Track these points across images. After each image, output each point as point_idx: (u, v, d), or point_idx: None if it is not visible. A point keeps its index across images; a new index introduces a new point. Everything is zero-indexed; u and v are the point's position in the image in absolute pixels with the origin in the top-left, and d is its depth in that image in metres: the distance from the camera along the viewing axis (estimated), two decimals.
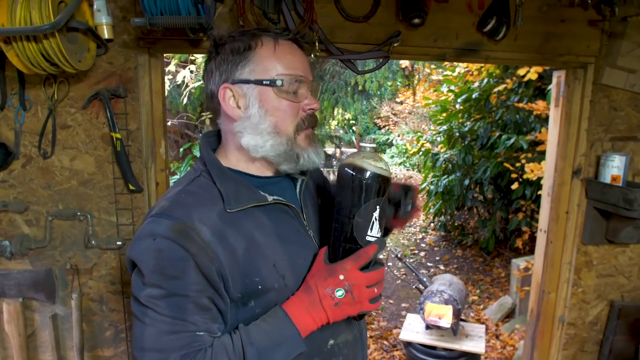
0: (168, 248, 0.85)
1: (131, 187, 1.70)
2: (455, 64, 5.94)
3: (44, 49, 1.37)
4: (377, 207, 0.89)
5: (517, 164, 4.61)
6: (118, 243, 1.73)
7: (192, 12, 1.37)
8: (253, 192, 0.97)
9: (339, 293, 0.87)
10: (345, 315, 0.91)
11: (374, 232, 0.89)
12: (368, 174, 0.87)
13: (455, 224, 6.45)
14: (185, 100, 3.36)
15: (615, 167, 1.79)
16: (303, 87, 0.97)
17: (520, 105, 4.64)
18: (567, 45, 1.79)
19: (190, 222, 0.87)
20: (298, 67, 0.96)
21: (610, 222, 1.90)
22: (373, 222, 0.89)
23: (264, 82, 0.94)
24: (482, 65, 5.05)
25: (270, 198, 0.97)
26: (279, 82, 0.93)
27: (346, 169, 0.89)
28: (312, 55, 1.65)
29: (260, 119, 0.95)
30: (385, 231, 1.05)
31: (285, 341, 0.87)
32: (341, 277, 0.87)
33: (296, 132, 0.97)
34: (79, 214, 1.72)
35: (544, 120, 4.78)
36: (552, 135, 2.09)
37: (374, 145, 0.92)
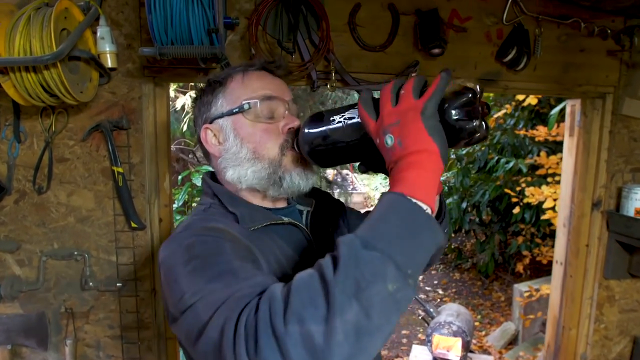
0: (201, 237, 0.80)
1: (133, 225, 1.58)
2: None
3: (43, 80, 1.27)
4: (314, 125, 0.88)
5: (518, 188, 4.58)
6: (118, 284, 1.61)
7: (205, 42, 1.29)
8: (267, 214, 0.97)
9: (389, 138, 0.70)
10: (423, 130, 0.66)
11: (345, 115, 0.84)
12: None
13: (453, 247, 6.38)
14: (184, 127, 3.27)
15: (639, 200, 1.72)
16: (278, 108, 0.96)
17: (522, 132, 4.63)
18: (586, 76, 1.74)
19: (221, 226, 0.85)
20: (266, 87, 0.96)
21: (634, 256, 1.83)
22: (337, 121, 0.85)
23: (234, 111, 0.94)
24: None
25: (285, 219, 0.97)
26: (246, 106, 0.93)
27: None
28: (328, 86, 1.58)
29: (238, 148, 0.94)
30: None
31: (408, 220, 0.62)
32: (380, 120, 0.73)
33: (281, 152, 0.95)
34: (75, 253, 1.60)
35: (541, 144, 4.77)
36: (567, 165, 2.03)
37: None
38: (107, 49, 1.46)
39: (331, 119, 0.85)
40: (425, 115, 0.67)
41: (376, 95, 0.78)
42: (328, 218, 1.14)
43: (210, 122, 0.98)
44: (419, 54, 1.62)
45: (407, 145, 0.66)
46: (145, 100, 1.57)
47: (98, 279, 1.62)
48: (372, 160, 0.85)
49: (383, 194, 0.66)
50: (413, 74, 0.91)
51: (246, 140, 0.94)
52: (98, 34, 1.44)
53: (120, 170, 1.55)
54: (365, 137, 0.79)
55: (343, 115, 0.84)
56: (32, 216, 1.58)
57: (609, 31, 1.68)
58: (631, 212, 1.74)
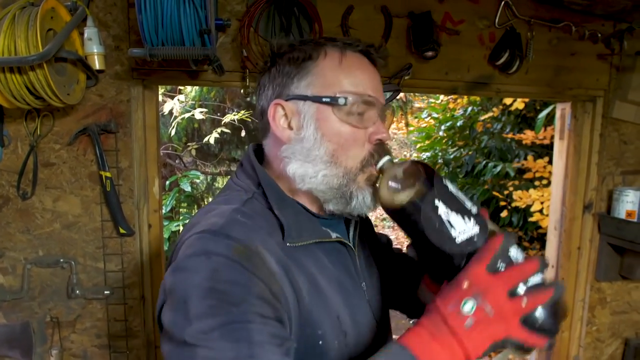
0: (227, 268, 0.66)
1: (121, 231, 1.54)
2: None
3: (29, 81, 1.23)
4: (435, 200, 0.71)
5: (505, 192, 4.61)
6: (106, 292, 1.56)
7: (196, 43, 1.26)
8: (315, 225, 0.82)
9: (467, 306, 0.64)
10: (489, 340, 0.64)
11: (460, 227, 0.69)
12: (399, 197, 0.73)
13: None
14: (172, 132, 3.22)
15: (630, 202, 1.74)
16: (371, 111, 0.80)
17: (509, 136, 4.66)
18: (577, 79, 1.75)
19: (253, 245, 0.70)
20: (368, 85, 0.80)
21: (625, 258, 1.84)
22: (447, 220, 0.70)
23: (324, 100, 0.78)
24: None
25: (333, 235, 0.83)
26: (341, 101, 0.77)
27: (391, 190, 0.75)
28: None
29: (315, 143, 0.78)
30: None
31: None
32: (465, 284, 0.65)
33: (361, 167, 0.80)
34: (61, 260, 1.55)
35: (528, 147, 4.81)
36: (557, 168, 2.04)
37: (391, 158, 0.79)
38: (95, 51, 1.43)
39: (439, 211, 0.71)
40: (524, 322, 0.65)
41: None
42: (369, 231, 1.04)
43: (286, 99, 0.81)
44: (412, 56, 1.61)
45: (472, 327, 0.63)
46: (134, 103, 1.54)
47: (85, 286, 1.57)
48: (432, 259, 0.75)
49: (396, 342, 0.65)
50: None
51: (327, 139, 0.78)
52: (85, 35, 1.41)
53: (108, 174, 1.51)
54: (455, 251, 0.70)
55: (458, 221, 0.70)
56: (16, 222, 1.53)
57: (599, 35, 1.69)
58: (622, 215, 1.75)
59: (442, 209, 0.71)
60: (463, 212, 0.71)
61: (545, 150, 4.46)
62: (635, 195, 1.73)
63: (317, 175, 0.78)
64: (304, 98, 0.79)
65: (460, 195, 0.74)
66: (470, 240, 0.70)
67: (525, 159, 4.49)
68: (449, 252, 0.70)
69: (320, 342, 0.74)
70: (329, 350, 0.75)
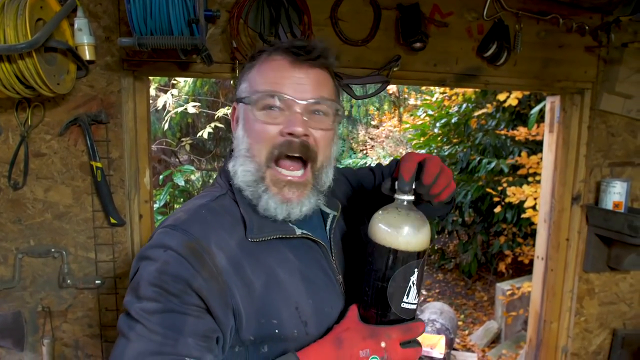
0: (175, 262, 0.75)
1: (112, 221, 1.55)
2: (433, 89, 6.01)
3: (18, 70, 1.24)
4: (415, 270, 0.77)
5: (499, 188, 4.63)
6: (97, 282, 1.57)
7: (185, 32, 1.27)
8: (280, 222, 0.85)
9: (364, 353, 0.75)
10: None
11: (411, 299, 0.78)
12: (406, 239, 0.75)
13: (436, 248, 6.42)
14: (165, 126, 3.22)
15: (617, 194, 1.76)
16: (290, 110, 0.82)
17: (503, 132, 4.68)
18: (565, 71, 1.77)
19: (205, 243, 0.78)
20: (277, 82, 0.83)
21: (613, 249, 1.86)
22: (410, 287, 0.77)
23: (243, 100, 0.86)
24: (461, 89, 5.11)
25: (298, 231, 0.86)
26: (247, 100, 0.85)
27: (379, 230, 0.77)
28: None
29: (241, 139, 0.87)
30: None
31: None
32: (383, 344, 0.75)
33: (267, 161, 0.83)
34: (53, 250, 1.56)
35: (522, 144, 4.84)
36: (547, 161, 2.06)
37: (411, 198, 0.78)
38: (85, 41, 1.44)
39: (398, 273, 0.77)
40: None
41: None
42: (355, 217, 1.04)
43: (235, 101, 0.92)
44: (401, 48, 1.63)
45: None
46: (125, 94, 1.55)
47: (76, 276, 1.58)
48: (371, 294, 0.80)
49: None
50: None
51: (247, 134, 0.86)
52: (75, 25, 1.42)
53: (99, 165, 1.52)
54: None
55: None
56: (8, 212, 1.54)
57: (587, 27, 1.71)
58: (609, 206, 1.77)
59: (415, 277, 0.78)
60: (419, 290, 0.80)
61: (539, 147, 4.49)
62: (622, 186, 1.75)
63: (238, 171, 0.85)
64: (238, 99, 0.89)
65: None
66: (409, 312, 0.79)
67: (519, 155, 4.52)
68: (391, 307, 0.78)
69: (277, 331, 0.79)
70: (286, 338, 0.80)
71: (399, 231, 0.75)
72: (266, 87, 0.83)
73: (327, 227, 0.95)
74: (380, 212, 0.80)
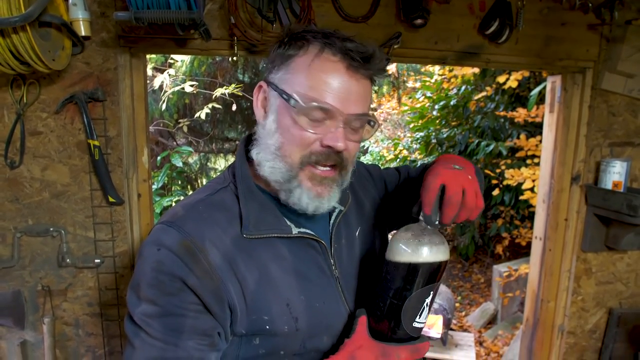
0: (170, 261, 0.76)
1: (111, 200, 1.54)
2: (432, 70, 5.96)
3: (12, 45, 1.21)
4: (431, 292, 0.80)
5: (498, 170, 4.63)
6: (96, 261, 1.57)
7: (182, 7, 1.24)
8: (278, 220, 0.86)
9: None
10: None
11: (422, 319, 0.80)
12: (431, 262, 0.76)
13: None
14: (163, 107, 3.19)
15: (616, 173, 1.75)
16: (333, 121, 0.79)
17: (502, 113, 4.67)
18: (567, 50, 1.75)
19: (199, 241, 0.78)
20: (333, 93, 0.77)
21: (611, 229, 1.86)
22: (424, 308, 0.79)
23: (283, 95, 0.80)
24: (460, 69, 5.07)
25: (295, 230, 0.86)
26: (292, 102, 0.78)
27: (402, 251, 0.77)
28: None
29: (270, 132, 0.83)
30: None
31: None
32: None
33: (300, 164, 0.81)
34: (51, 229, 1.56)
35: (521, 126, 4.83)
36: (547, 141, 2.05)
37: (437, 225, 0.80)
38: (80, 16, 1.41)
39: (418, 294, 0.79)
40: None
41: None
42: (369, 213, 1.04)
43: (267, 83, 0.85)
44: (401, 25, 1.61)
45: None
46: (122, 71, 1.52)
47: (75, 255, 1.58)
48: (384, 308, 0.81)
49: None
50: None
51: (280, 132, 0.81)
52: (70, 0, 1.39)
53: (97, 143, 1.51)
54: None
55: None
56: (5, 192, 1.53)
57: (590, 5, 1.68)
58: (609, 185, 1.77)
59: (430, 298, 0.80)
60: (429, 311, 0.82)
61: (537, 130, 4.48)
62: (622, 166, 1.75)
63: (266, 165, 0.83)
64: (275, 88, 0.82)
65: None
66: (418, 331, 0.81)
67: (518, 137, 4.51)
68: (403, 325, 0.79)
69: (268, 327, 0.81)
70: (277, 334, 0.81)
71: (422, 254, 0.77)
72: (316, 94, 0.77)
73: (331, 221, 0.95)
74: (403, 232, 0.81)
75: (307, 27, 0.87)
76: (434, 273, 0.78)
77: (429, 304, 0.80)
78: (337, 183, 0.86)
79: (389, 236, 0.93)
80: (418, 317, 0.80)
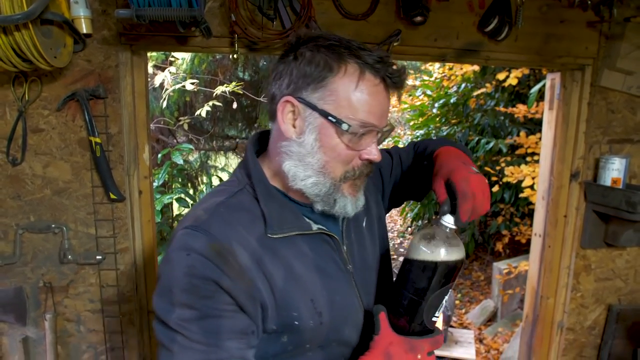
0: (202, 265, 0.76)
1: (112, 196, 1.55)
2: (432, 69, 5.97)
3: (14, 42, 1.22)
4: (450, 290, 0.85)
5: (498, 167, 4.64)
6: (97, 257, 1.58)
7: (183, 4, 1.25)
8: (298, 218, 0.89)
9: None
10: None
11: (439, 312, 0.85)
12: (452, 262, 0.81)
13: None
14: (164, 105, 3.20)
15: (615, 170, 1.76)
16: (370, 136, 0.85)
17: (502, 109, 4.67)
18: (566, 47, 1.76)
19: (227, 243, 0.79)
20: (375, 113, 0.83)
21: (610, 226, 1.87)
22: (442, 304, 0.85)
23: (330, 118, 0.81)
24: (460, 68, 5.08)
25: (315, 227, 0.90)
26: (345, 126, 0.81)
27: (426, 251, 0.82)
28: None
29: (312, 151, 0.84)
30: None
31: None
32: (419, 356, 0.81)
33: (343, 178, 0.86)
34: (53, 226, 1.56)
35: (521, 124, 4.84)
36: (546, 139, 2.06)
37: (454, 227, 0.84)
38: (82, 14, 1.42)
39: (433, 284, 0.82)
40: None
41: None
42: (369, 202, 1.05)
43: (298, 100, 0.83)
44: (401, 22, 1.61)
45: None
46: (123, 68, 1.53)
47: (77, 252, 1.59)
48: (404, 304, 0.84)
49: None
50: None
51: (323, 151, 0.84)
52: None
53: (98, 140, 1.52)
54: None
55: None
56: (7, 188, 1.54)
57: (589, 2, 1.69)
58: (608, 182, 1.78)
59: (448, 295, 0.85)
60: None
61: (537, 127, 4.49)
62: (621, 162, 1.76)
63: (307, 181, 0.85)
64: (314, 108, 0.82)
65: None
66: (434, 324, 0.86)
67: (518, 135, 4.52)
68: (423, 320, 0.84)
69: (296, 322, 0.83)
70: (305, 329, 0.84)
71: (449, 254, 0.81)
72: (362, 116, 0.81)
73: (340, 220, 0.98)
74: (428, 231, 0.85)
75: (321, 35, 0.85)
76: (454, 271, 0.83)
77: (447, 299, 0.86)
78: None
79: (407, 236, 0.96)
80: (437, 312, 0.84)
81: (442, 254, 0.81)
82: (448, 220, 0.84)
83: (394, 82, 0.83)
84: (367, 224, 1.04)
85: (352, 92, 0.81)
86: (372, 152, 0.86)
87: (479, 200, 0.83)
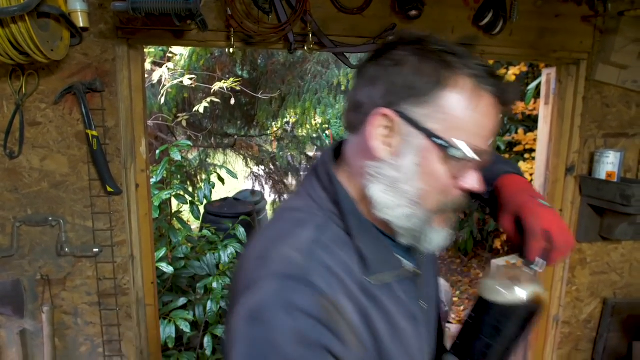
0: (310, 329, 0.62)
1: (109, 189, 1.56)
2: None
3: (11, 35, 1.23)
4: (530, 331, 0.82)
5: None
6: (95, 250, 1.59)
7: None
8: (392, 257, 0.77)
9: None
10: None
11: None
12: (534, 306, 0.77)
13: None
14: (162, 101, 3.21)
15: (610, 164, 1.77)
16: (471, 162, 0.71)
17: None
18: (561, 41, 1.77)
19: (334, 297, 0.65)
20: (486, 137, 0.70)
21: (605, 219, 1.88)
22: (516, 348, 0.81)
23: (436, 140, 0.68)
24: None
25: (409, 266, 0.78)
26: (454, 151, 0.68)
27: (507, 293, 0.77)
28: (306, 48, 1.57)
29: (408, 177, 0.70)
30: None
31: None
32: None
33: (438, 211, 0.73)
34: (50, 219, 1.57)
35: (519, 121, 4.84)
36: (542, 133, 2.06)
37: (539, 269, 0.79)
38: (78, 8, 1.43)
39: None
40: None
41: None
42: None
43: (398, 114, 0.69)
44: (396, 16, 1.62)
45: None
46: (120, 62, 1.54)
47: (74, 245, 1.60)
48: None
49: None
50: None
51: (422, 177, 0.70)
52: None
53: (95, 133, 1.52)
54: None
55: None
56: (4, 181, 1.55)
57: None
58: (602, 176, 1.79)
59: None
60: None
61: (535, 125, 4.49)
62: (616, 156, 1.77)
63: (397, 211, 0.72)
64: (417, 127, 0.68)
65: None
66: None
67: (516, 132, 4.53)
68: None
69: None
70: None
71: (538, 292, 0.77)
72: (478, 142, 0.69)
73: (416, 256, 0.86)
74: (506, 272, 0.81)
75: (423, 38, 0.72)
76: (534, 314, 0.79)
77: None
78: None
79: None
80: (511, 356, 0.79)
81: (525, 297, 0.76)
82: (539, 266, 0.79)
83: (507, 99, 0.71)
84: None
85: (465, 110, 0.67)
86: (474, 182, 0.72)
87: (556, 235, 0.76)
